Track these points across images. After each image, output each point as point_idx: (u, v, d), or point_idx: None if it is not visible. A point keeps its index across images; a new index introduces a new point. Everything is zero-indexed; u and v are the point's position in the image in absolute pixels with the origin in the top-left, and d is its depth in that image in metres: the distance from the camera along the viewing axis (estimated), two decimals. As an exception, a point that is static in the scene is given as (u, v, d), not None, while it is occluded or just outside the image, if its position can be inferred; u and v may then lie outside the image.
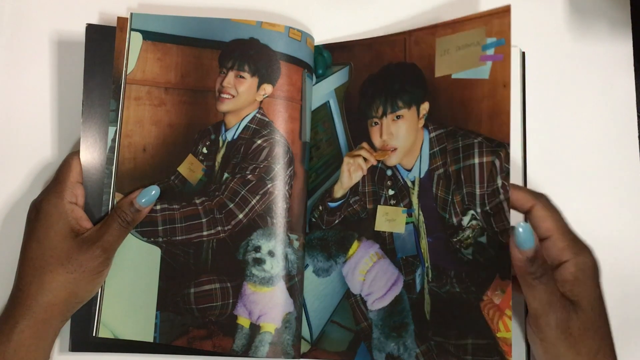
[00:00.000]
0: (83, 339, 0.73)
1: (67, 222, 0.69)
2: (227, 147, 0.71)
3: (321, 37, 0.81)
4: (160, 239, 0.71)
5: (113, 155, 0.72)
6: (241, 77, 0.72)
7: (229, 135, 0.71)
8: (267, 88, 0.72)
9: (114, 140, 0.73)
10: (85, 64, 0.74)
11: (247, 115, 0.72)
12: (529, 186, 0.78)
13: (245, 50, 0.72)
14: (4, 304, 0.69)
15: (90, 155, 0.73)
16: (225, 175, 0.71)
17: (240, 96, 0.71)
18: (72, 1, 0.82)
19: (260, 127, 0.71)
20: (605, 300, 0.67)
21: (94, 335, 0.71)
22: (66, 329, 0.73)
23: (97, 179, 0.73)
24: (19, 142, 0.79)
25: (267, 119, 0.71)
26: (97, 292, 0.72)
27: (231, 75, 0.71)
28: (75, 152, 0.73)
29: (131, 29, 0.73)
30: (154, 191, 0.71)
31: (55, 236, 0.69)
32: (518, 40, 0.81)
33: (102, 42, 0.74)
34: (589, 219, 0.79)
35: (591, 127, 0.81)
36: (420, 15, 0.83)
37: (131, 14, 0.74)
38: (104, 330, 0.71)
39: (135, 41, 0.72)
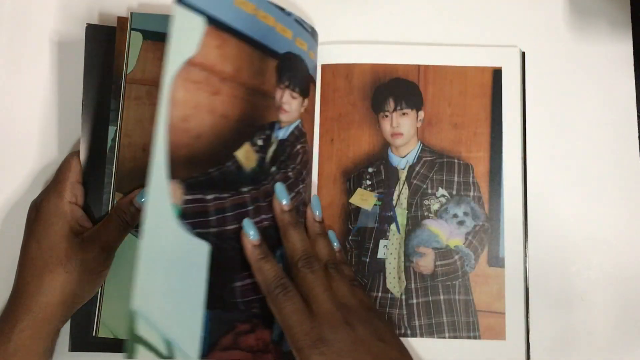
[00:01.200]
0: (83, 339, 0.73)
1: (67, 222, 0.70)
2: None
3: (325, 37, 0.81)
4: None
5: (113, 155, 0.73)
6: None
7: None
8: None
9: (114, 140, 0.73)
10: (85, 64, 0.74)
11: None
12: (528, 187, 0.78)
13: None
14: (4, 304, 0.69)
15: (90, 155, 0.73)
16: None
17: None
18: (72, 1, 0.82)
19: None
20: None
21: (94, 335, 0.72)
22: (65, 328, 0.73)
23: (97, 179, 0.73)
24: (19, 142, 0.80)
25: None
26: (97, 293, 0.72)
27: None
28: (75, 152, 0.74)
29: (131, 29, 0.73)
30: None
31: (54, 236, 0.69)
32: (518, 40, 0.82)
33: (101, 42, 0.75)
34: (589, 219, 0.79)
35: (591, 127, 0.81)
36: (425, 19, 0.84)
37: (131, 13, 0.75)
38: (104, 329, 0.71)
39: (135, 41, 0.73)
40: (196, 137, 0.65)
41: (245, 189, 0.69)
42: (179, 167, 0.63)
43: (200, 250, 0.64)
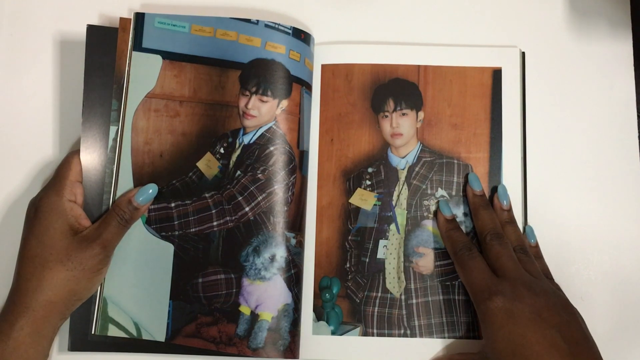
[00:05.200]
0: (82, 338, 0.74)
1: (66, 220, 0.70)
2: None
3: (323, 37, 0.82)
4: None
5: (114, 155, 0.75)
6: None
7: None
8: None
9: (115, 139, 0.75)
10: (85, 65, 0.75)
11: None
12: (529, 186, 0.78)
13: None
14: (3, 301, 0.69)
15: (90, 155, 0.74)
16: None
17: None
18: (73, 2, 0.83)
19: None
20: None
21: (93, 332, 0.73)
22: (65, 327, 0.73)
23: (97, 178, 0.74)
24: (20, 141, 0.80)
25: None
26: (97, 291, 0.73)
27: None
28: (75, 151, 0.74)
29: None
30: (150, 190, 0.74)
31: (54, 234, 0.69)
32: (518, 40, 0.82)
33: (102, 42, 0.76)
34: (588, 219, 0.79)
35: (591, 127, 0.81)
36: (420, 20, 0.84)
37: (135, 13, 0.76)
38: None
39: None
40: (159, 156, 0.77)
41: (207, 195, 0.76)
42: (143, 183, 0.75)
43: (165, 250, 0.75)
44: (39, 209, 0.70)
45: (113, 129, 0.75)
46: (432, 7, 0.84)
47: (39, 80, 0.81)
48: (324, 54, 0.81)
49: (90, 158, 0.74)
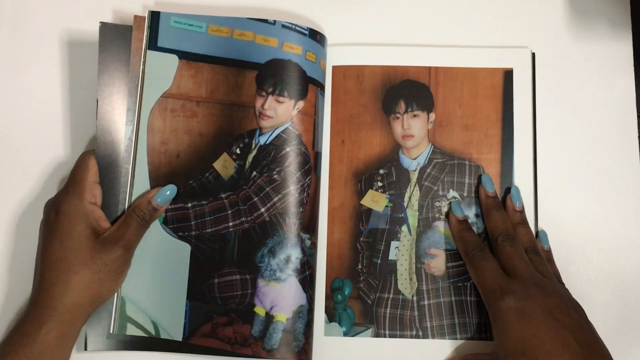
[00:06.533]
0: (98, 338, 0.74)
1: (89, 222, 0.70)
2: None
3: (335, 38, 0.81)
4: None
5: (129, 154, 0.74)
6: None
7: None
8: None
9: (130, 139, 0.75)
10: (99, 63, 0.74)
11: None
12: (538, 188, 0.79)
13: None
14: (21, 303, 0.69)
15: (104, 155, 0.74)
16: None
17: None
18: (83, 1, 0.82)
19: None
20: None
21: (111, 332, 0.73)
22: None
23: (112, 178, 0.74)
24: (31, 142, 0.79)
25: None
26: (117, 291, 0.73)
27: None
28: (89, 152, 0.73)
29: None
30: (168, 191, 0.74)
31: (78, 237, 0.69)
32: (518, 40, 0.82)
33: (115, 40, 0.75)
34: (588, 219, 0.80)
35: (591, 127, 0.82)
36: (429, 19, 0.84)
37: (149, 11, 0.75)
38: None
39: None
40: (176, 156, 0.77)
41: (223, 195, 0.76)
42: (160, 184, 0.76)
43: (182, 250, 0.76)
44: (60, 212, 0.69)
45: (128, 129, 0.75)
46: (442, 8, 0.84)
47: (48, 79, 0.80)
48: (335, 56, 0.81)
49: (105, 158, 0.74)
